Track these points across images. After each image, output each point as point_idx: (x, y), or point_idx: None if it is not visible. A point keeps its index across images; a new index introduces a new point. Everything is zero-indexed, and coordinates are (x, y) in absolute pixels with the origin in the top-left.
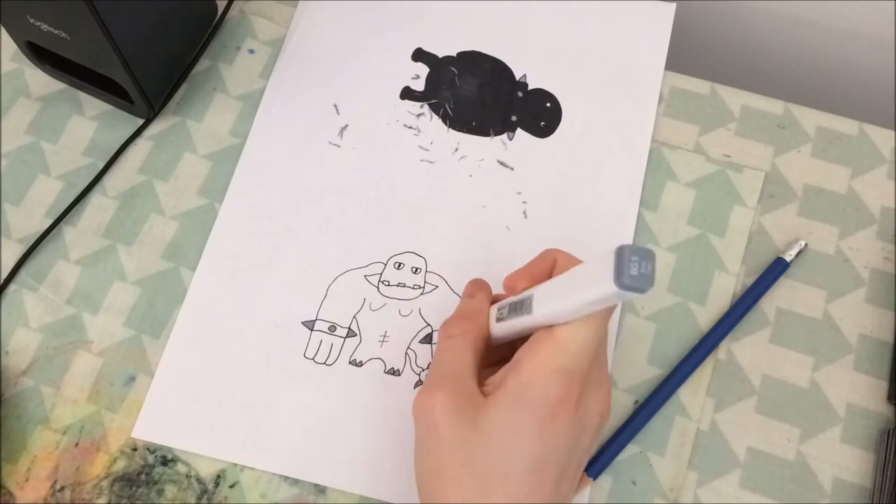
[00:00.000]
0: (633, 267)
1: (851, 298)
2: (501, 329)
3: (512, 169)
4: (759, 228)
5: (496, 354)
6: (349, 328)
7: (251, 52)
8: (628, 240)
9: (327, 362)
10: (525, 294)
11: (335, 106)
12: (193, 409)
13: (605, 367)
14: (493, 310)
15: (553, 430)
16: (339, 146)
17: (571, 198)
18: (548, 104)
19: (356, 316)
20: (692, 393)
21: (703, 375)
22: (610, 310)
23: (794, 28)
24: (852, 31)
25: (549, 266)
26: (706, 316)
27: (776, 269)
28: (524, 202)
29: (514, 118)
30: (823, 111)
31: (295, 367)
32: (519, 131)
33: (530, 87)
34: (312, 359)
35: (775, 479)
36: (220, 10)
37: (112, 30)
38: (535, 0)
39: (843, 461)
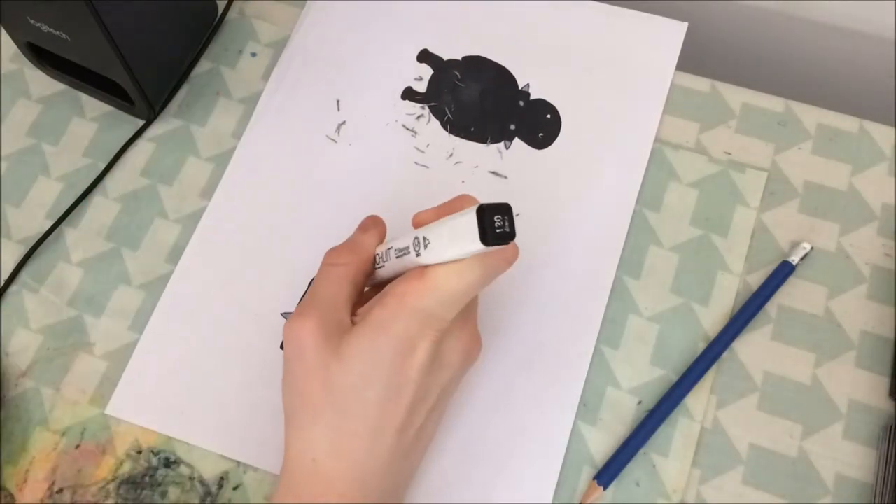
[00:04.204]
0: (497, 224)
1: (853, 295)
2: (381, 273)
3: (505, 178)
4: (761, 226)
5: (376, 293)
6: None
7: (253, 55)
8: (614, 259)
9: None
10: (410, 237)
11: (337, 101)
12: (166, 392)
13: (472, 315)
14: (378, 253)
15: (410, 363)
16: (335, 141)
17: (560, 212)
18: (548, 115)
19: None
20: (695, 393)
21: (705, 373)
22: (491, 268)
23: (794, 25)
24: (852, 27)
25: (459, 209)
26: (709, 316)
27: (781, 273)
28: (515, 213)
29: (512, 127)
30: (824, 108)
31: (271, 358)
32: (516, 141)
33: (532, 97)
34: None
35: (778, 475)
36: (220, 11)
37: (112, 31)
38: (547, 5)
39: (846, 457)
